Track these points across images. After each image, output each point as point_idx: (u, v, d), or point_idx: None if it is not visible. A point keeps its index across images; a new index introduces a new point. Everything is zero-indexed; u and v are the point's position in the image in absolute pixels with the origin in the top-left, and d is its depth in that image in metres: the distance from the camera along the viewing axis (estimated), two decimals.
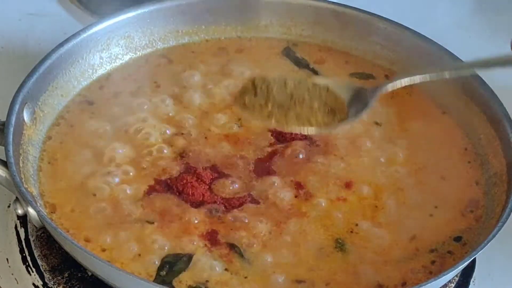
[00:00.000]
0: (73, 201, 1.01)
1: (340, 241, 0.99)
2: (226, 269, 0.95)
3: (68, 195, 1.01)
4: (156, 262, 0.95)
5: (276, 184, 1.04)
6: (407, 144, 1.11)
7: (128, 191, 1.02)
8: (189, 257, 0.96)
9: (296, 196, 1.03)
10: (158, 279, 0.94)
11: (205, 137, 1.09)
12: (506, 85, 1.17)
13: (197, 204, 1.01)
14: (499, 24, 1.47)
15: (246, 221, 1.00)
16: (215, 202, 1.02)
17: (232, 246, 0.97)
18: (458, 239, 1.00)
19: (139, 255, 0.96)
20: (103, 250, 0.96)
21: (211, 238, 0.98)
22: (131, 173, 1.04)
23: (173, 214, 1.00)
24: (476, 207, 1.04)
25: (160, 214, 1.00)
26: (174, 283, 0.94)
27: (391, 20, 1.21)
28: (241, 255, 0.97)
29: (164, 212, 1.00)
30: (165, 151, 1.07)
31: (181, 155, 1.07)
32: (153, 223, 0.99)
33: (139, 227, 0.98)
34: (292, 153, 1.08)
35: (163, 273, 0.94)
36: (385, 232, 1.00)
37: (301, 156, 1.08)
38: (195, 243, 0.97)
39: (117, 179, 1.03)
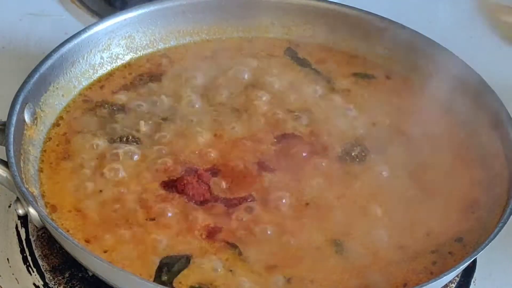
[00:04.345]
0: (74, 201, 1.00)
1: (339, 242, 0.99)
2: (225, 268, 0.95)
3: (69, 195, 1.01)
4: (156, 263, 0.95)
5: (276, 184, 1.04)
6: (409, 144, 1.11)
7: (129, 192, 1.02)
8: (188, 257, 0.96)
9: (295, 197, 1.03)
10: (157, 279, 0.94)
11: (206, 138, 1.09)
12: (507, 85, 1.18)
13: (198, 205, 1.01)
14: (499, 24, 1.47)
15: (246, 221, 1.00)
16: (215, 202, 1.02)
17: (232, 246, 0.98)
18: (459, 240, 1.00)
19: (140, 255, 0.96)
20: (105, 251, 0.96)
21: (211, 238, 0.98)
22: (132, 174, 1.04)
23: (174, 215, 1.00)
24: (477, 208, 1.03)
25: (160, 215, 1.00)
26: (175, 283, 0.94)
27: (391, 20, 1.21)
28: (240, 254, 0.97)
29: (165, 212, 1.00)
30: (166, 151, 1.07)
31: (182, 155, 1.07)
32: (154, 222, 0.99)
33: (139, 228, 0.98)
34: (293, 154, 1.08)
35: (163, 273, 0.94)
36: (385, 233, 1.00)
37: (301, 157, 1.08)
38: (195, 243, 0.97)
39: (118, 180, 1.03)
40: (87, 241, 0.96)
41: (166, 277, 0.94)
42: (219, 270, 0.95)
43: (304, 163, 1.07)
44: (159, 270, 0.95)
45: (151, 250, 0.96)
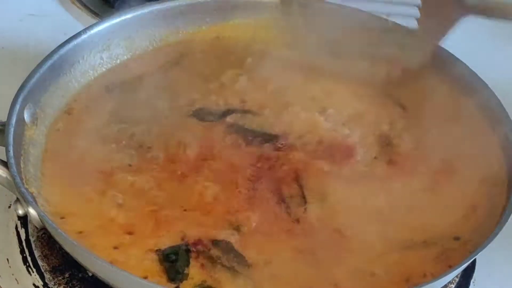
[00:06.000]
0: (73, 201, 1.00)
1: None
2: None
3: (68, 195, 1.01)
4: (157, 259, 0.95)
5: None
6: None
7: (127, 192, 1.02)
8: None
9: (296, 197, 1.03)
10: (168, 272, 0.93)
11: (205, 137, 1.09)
12: (507, 86, 1.18)
13: None
14: (499, 24, 1.47)
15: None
16: None
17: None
18: (457, 239, 1.00)
19: (138, 255, 0.95)
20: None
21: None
22: (130, 175, 1.04)
23: (172, 215, 1.00)
24: (477, 207, 1.03)
25: (158, 215, 0.99)
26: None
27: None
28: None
29: (162, 213, 1.00)
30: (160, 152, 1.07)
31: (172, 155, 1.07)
32: (153, 223, 0.99)
33: (138, 228, 0.98)
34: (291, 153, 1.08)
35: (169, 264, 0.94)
36: (385, 232, 1.00)
37: (299, 157, 1.08)
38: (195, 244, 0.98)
39: (116, 180, 1.03)
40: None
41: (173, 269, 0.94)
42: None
43: (305, 164, 1.07)
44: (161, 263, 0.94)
45: (148, 250, 0.95)
